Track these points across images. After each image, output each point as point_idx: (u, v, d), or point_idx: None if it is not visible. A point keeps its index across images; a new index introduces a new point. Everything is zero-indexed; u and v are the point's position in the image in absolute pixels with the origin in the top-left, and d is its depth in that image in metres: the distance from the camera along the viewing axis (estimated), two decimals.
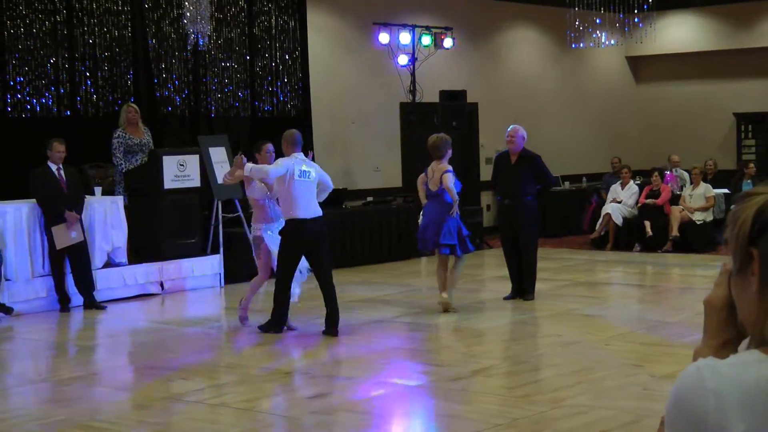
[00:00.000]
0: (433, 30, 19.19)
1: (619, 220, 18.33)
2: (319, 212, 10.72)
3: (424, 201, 12.15)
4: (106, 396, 8.83)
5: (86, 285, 12.93)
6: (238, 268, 14.24)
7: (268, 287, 11.48)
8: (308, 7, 18.07)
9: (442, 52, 19.36)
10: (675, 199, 18.30)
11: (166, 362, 9.84)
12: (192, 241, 14.48)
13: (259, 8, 17.39)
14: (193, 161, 14.45)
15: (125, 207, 13.90)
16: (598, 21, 19.95)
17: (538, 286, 13.05)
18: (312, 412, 7.92)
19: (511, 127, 12.98)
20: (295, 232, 10.53)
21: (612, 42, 21.01)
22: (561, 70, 22.93)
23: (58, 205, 12.60)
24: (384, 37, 18.50)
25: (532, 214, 12.75)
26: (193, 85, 16.60)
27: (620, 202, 18.57)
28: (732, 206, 1.94)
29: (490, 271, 15.57)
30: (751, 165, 19.34)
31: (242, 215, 14.74)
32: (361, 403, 8.20)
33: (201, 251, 14.69)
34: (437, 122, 18.16)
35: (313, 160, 11.24)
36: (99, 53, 15.51)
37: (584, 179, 21.76)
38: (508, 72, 21.85)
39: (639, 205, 18.40)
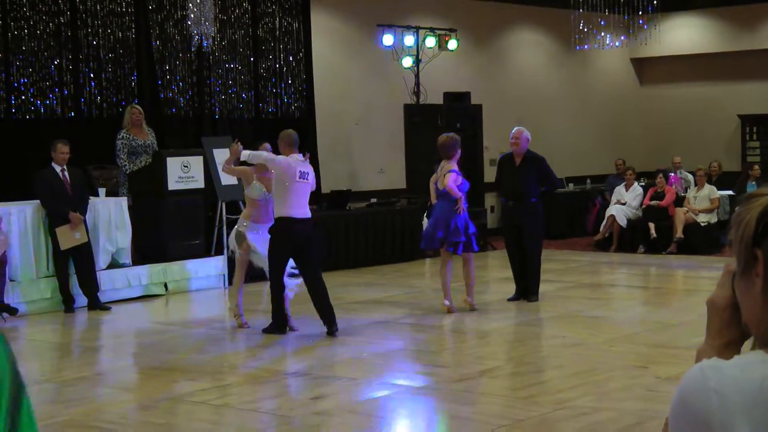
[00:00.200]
0: (437, 32, 19.19)
1: (623, 222, 18.32)
2: (308, 214, 10.83)
3: (434, 200, 12.21)
4: (111, 396, 8.83)
5: (90, 286, 12.94)
6: None
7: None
8: (312, 9, 18.08)
9: (446, 54, 19.36)
10: (679, 201, 18.28)
11: (170, 363, 9.85)
12: (196, 242, 14.50)
13: (263, 10, 17.41)
14: (197, 162, 14.46)
15: (129, 208, 13.90)
16: (602, 23, 19.93)
17: (543, 287, 13.04)
18: (315, 413, 7.92)
19: (515, 128, 12.98)
20: (285, 231, 10.59)
21: (616, 44, 21.00)
22: (565, 72, 22.92)
23: (63, 207, 12.62)
24: (388, 39, 18.49)
25: (537, 215, 12.74)
26: (197, 86, 16.62)
27: (624, 203, 18.56)
28: (736, 208, 1.94)
29: (495, 272, 15.56)
30: (756, 167, 19.33)
31: None
32: (364, 405, 8.20)
33: (205, 252, 14.71)
34: (441, 124, 18.17)
35: (309, 161, 11.26)
36: (103, 55, 15.53)
37: (588, 181, 21.74)
38: (512, 74, 21.85)
39: (643, 206, 18.39)
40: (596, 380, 8.76)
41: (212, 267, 14.52)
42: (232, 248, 11.52)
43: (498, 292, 13.51)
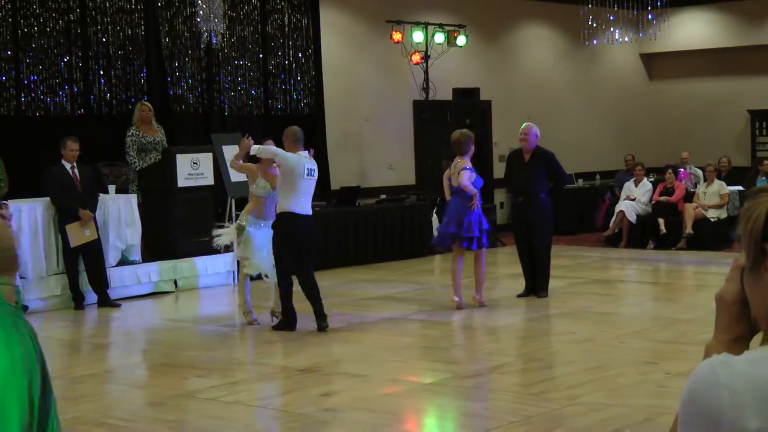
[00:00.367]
0: (447, 28, 19.18)
1: (632, 218, 18.29)
2: (310, 212, 10.92)
3: (448, 197, 12.22)
4: (121, 393, 8.85)
5: (100, 283, 12.96)
6: None
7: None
8: (321, 5, 18.09)
9: (455, 50, 19.35)
10: (689, 197, 18.25)
11: (180, 360, 9.86)
12: (205, 239, 14.49)
13: (272, 6, 17.41)
14: (206, 159, 14.47)
15: (139, 205, 13.92)
16: (611, 18, 19.90)
17: (552, 283, 13.03)
18: (325, 409, 7.92)
19: (524, 124, 12.97)
20: (288, 225, 10.65)
21: (626, 39, 20.97)
22: (574, 68, 22.89)
23: (72, 204, 12.64)
24: (397, 35, 18.48)
25: (546, 211, 12.73)
26: (207, 83, 16.63)
27: (634, 199, 18.53)
28: (745, 203, 1.93)
29: (504, 268, 15.55)
30: (766, 162, 19.27)
31: None
32: (374, 401, 8.19)
33: (214, 249, 14.70)
34: (450, 120, 18.16)
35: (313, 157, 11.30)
36: (112, 52, 15.56)
37: (598, 176, 21.72)
38: (521, 69, 21.83)
39: (653, 202, 18.36)
40: (606, 376, 8.75)
41: (222, 264, 14.52)
42: (230, 241, 11.56)
43: (507, 289, 13.50)
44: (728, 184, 18.32)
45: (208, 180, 14.50)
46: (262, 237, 11.09)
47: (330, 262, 15.55)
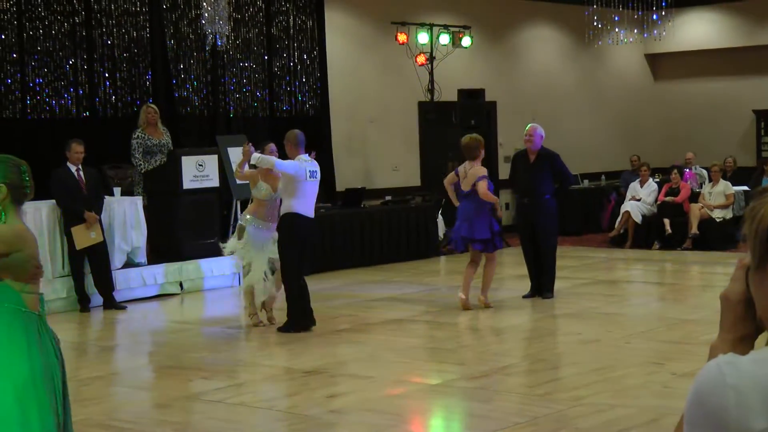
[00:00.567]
0: (452, 29, 19.17)
1: (638, 218, 18.28)
2: (313, 214, 11.00)
3: (456, 202, 12.25)
4: (127, 395, 8.86)
5: (106, 285, 12.97)
6: None
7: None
8: (326, 7, 18.09)
9: (460, 51, 19.34)
10: (694, 197, 18.24)
11: (186, 362, 9.87)
12: (211, 241, 14.50)
13: (277, 8, 17.42)
14: (211, 161, 14.47)
15: (144, 207, 13.93)
16: (616, 18, 19.89)
17: (558, 284, 13.02)
18: (331, 411, 7.92)
19: (529, 125, 12.97)
20: (292, 226, 10.73)
21: (630, 39, 20.96)
22: (579, 68, 22.88)
23: (78, 206, 12.65)
24: (402, 36, 18.48)
25: (551, 212, 12.74)
26: (212, 85, 16.64)
27: (639, 199, 18.51)
28: (750, 202, 1.93)
29: (510, 269, 15.54)
30: None
31: None
32: (380, 403, 8.19)
33: (220, 251, 14.69)
34: (455, 121, 18.16)
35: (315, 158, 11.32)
36: (117, 54, 15.57)
37: (603, 177, 21.71)
38: (526, 70, 21.82)
39: (658, 202, 18.34)
40: (612, 377, 8.74)
41: (227, 266, 14.52)
42: (231, 249, 11.59)
43: (513, 289, 13.49)
44: (733, 184, 18.31)
45: (214, 182, 14.50)
46: (263, 239, 11.10)
47: (335, 263, 15.57)
